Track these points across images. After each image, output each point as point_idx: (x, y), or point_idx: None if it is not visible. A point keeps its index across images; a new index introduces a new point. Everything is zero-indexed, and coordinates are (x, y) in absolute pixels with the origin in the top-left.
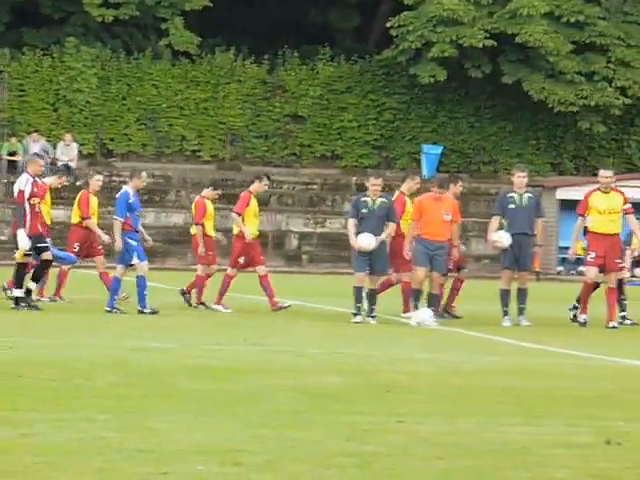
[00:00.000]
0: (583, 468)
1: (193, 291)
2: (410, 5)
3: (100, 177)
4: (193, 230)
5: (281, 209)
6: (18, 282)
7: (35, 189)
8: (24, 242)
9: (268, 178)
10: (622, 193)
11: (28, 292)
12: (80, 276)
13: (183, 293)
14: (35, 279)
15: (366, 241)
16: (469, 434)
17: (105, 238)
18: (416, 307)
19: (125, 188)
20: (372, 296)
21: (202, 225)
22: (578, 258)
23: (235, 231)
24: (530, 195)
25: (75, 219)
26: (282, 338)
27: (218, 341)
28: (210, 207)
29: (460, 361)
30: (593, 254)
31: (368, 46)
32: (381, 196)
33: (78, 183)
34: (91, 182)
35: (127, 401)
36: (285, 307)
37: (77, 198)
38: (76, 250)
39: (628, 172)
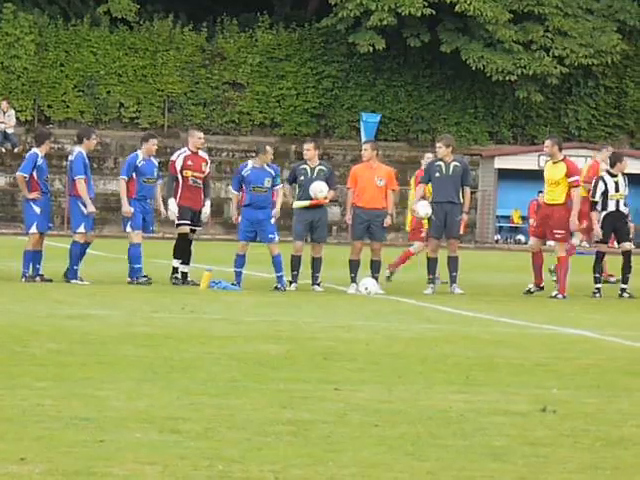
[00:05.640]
0: (520, 436)
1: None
2: None
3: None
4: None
5: (220, 177)
6: (176, 253)
7: (189, 162)
8: (173, 210)
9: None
10: (569, 165)
11: (175, 270)
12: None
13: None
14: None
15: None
16: (406, 401)
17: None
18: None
19: (78, 149)
20: (317, 263)
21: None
22: (515, 226)
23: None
24: (457, 164)
25: None
26: (219, 306)
27: (156, 309)
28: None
29: (397, 329)
30: (534, 222)
31: (307, 14)
32: (320, 164)
33: (16, 150)
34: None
35: (66, 369)
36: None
37: None
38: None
39: (566, 141)
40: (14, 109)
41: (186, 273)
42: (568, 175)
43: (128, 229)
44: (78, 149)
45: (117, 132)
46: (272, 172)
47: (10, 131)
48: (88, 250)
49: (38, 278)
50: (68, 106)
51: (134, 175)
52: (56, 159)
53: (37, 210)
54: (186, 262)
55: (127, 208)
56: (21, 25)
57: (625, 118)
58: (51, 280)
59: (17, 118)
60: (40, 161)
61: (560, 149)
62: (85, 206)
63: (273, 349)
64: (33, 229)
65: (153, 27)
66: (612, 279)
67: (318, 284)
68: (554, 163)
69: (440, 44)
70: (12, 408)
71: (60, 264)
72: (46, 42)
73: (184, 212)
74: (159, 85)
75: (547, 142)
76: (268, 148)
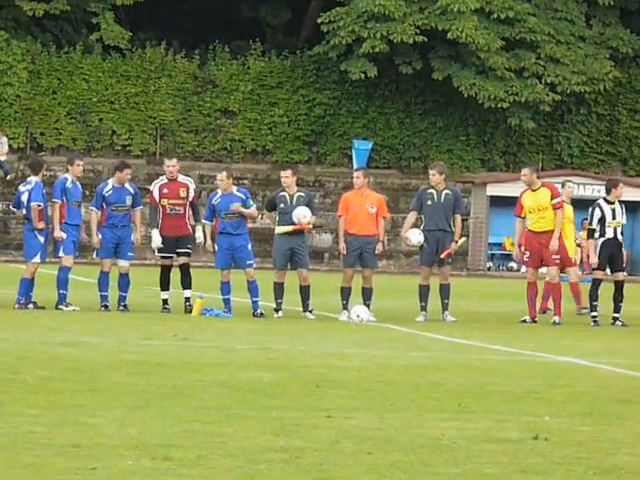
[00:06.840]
0: (512, 463)
1: None
2: (341, 1)
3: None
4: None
5: None
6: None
7: (164, 190)
8: (156, 241)
9: None
10: (551, 188)
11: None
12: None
13: None
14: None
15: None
16: (398, 429)
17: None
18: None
19: (65, 175)
20: (305, 291)
21: None
22: (507, 254)
23: None
24: (448, 192)
25: None
26: (211, 333)
27: (148, 336)
28: None
29: (389, 356)
30: (528, 254)
31: (299, 42)
32: (299, 190)
33: (8, 177)
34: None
35: (58, 396)
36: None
37: None
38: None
39: (558, 168)
40: (7, 136)
41: (189, 297)
42: (552, 197)
43: (94, 255)
44: (64, 175)
45: (109, 159)
46: (242, 196)
47: (3, 158)
48: (69, 275)
49: (31, 305)
50: (60, 133)
51: (104, 204)
52: (48, 187)
53: (41, 240)
54: (188, 287)
55: (95, 239)
56: (14, 53)
57: (617, 145)
58: (44, 307)
59: (9, 145)
60: (43, 190)
61: (538, 176)
62: (75, 231)
63: (265, 377)
64: (37, 259)
65: (145, 54)
66: (584, 311)
67: (310, 311)
68: (534, 191)
69: (432, 71)
70: (3, 435)
71: (51, 291)
72: (39, 69)
73: (164, 244)
74: (151, 112)
75: (525, 170)
76: (224, 173)
